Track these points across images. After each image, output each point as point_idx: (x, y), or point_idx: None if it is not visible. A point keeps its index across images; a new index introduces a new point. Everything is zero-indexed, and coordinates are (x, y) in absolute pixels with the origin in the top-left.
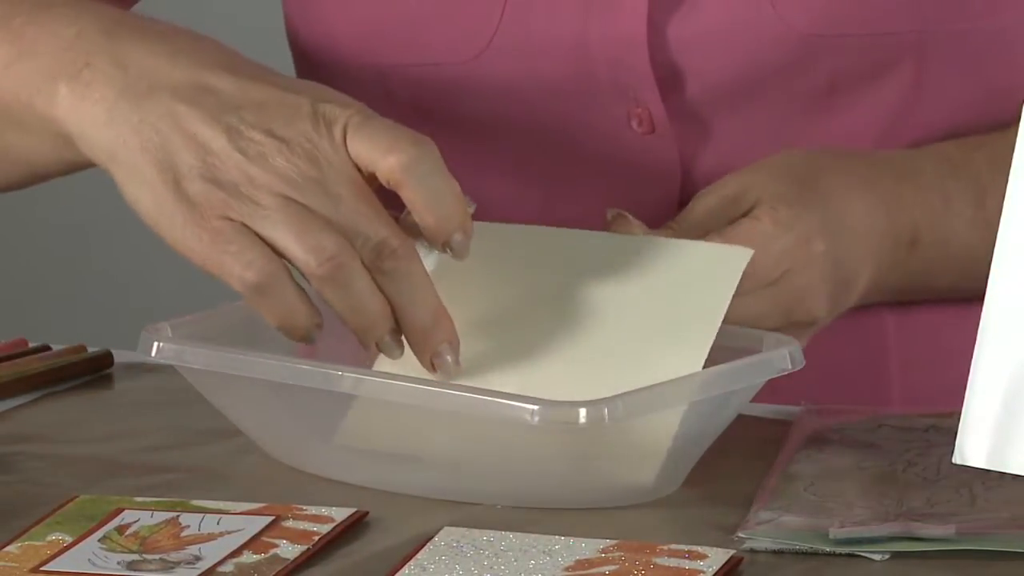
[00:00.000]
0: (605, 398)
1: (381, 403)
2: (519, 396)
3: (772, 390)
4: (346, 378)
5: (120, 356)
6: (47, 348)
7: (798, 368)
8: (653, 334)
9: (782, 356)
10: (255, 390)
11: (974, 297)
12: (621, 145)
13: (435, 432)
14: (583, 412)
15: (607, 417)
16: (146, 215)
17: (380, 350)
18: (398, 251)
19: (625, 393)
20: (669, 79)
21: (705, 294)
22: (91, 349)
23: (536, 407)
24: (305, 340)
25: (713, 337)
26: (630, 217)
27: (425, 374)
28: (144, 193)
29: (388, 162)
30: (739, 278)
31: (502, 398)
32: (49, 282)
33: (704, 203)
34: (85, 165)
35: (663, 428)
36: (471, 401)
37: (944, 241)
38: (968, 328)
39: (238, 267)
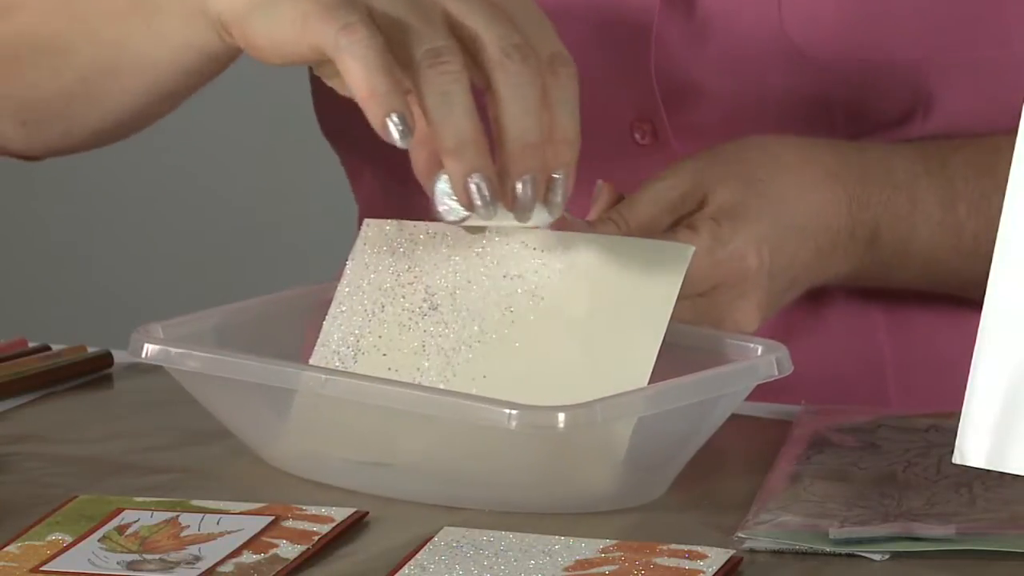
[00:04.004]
0: (584, 403)
1: (363, 407)
2: (497, 400)
3: (772, 391)
4: (331, 381)
5: (120, 356)
6: (47, 348)
7: (785, 374)
8: (600, 334)
9: (768, 363)
10: (244, 393)
11: (938, 293)
12: (622, 155)
13: (410, 436)
14: (562, 417)
15: (586, 422)
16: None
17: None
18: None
19: (605, 398)
20: (675, 95)
21: (651, 292)
22: (91, 349)
23: (514, 411)
24: (393, 130)
25: (662, 336)
26: (569, 216)
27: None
28: None
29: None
30: (684, 274)
31: (478, 402)
32: (49, 282)
33: (650, 199)
34: (218, 48)
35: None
36: (447, 404)
37: (905, 240)
38: (962, 332)
39: (335, 26)
